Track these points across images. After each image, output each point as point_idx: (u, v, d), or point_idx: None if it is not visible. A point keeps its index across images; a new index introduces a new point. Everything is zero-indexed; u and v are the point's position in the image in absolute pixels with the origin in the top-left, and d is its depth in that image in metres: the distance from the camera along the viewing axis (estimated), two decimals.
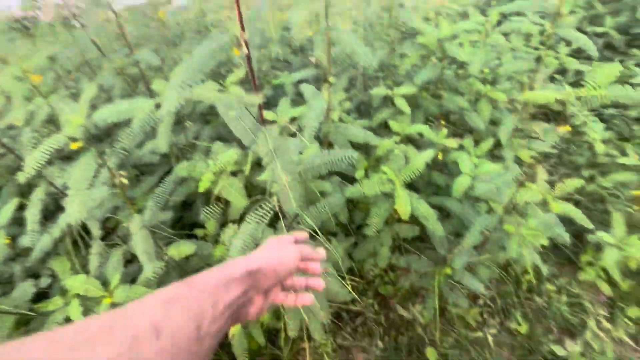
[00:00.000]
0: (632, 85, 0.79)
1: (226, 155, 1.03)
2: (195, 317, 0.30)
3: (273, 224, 0.96)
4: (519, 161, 1.54)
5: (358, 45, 0.95)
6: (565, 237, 1.01)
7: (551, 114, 2.23)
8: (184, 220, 1.69)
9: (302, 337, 1.54)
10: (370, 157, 1.65)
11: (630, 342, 1.34)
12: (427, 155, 1.16)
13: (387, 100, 1.84)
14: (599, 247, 1.57)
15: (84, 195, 0.73)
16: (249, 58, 0.56)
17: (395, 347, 1.48)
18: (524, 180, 0.93)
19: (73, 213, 0.70)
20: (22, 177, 0.68)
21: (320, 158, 0.89)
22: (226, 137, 1.48)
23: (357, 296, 1.55)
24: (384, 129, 1.85)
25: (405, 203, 1.06)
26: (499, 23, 1.45)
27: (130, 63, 1.36)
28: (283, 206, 0.71)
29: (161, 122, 0.92)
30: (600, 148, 1.71)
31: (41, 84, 1.07)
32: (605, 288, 1.48)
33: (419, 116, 1.73)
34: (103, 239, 1.12)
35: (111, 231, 1.21)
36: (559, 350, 1.27)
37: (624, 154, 1.76)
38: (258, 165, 1.49)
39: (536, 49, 1.38)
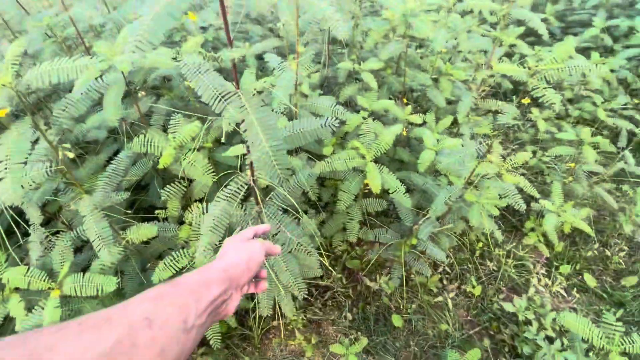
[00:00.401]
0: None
1: (188, 128, 0.95)
2: (181, 311, 0.33)
3: (244, 201, 0.91)
4: (476, 136, 1.63)
5: (331, 10, 0.91)
6: (522, 205, 1.10)
7: (500, 93, 2.38)
8: (139, 203, 1.55)
9: (273, 316, 1.54)
10: (336, 133, 1.64)
11: (564, 294, 1.53)
12: (396, 129, 1.18)
13: (352, 77, 1.83)
14: (539, 215, 1.76)
15: (18, 173, 0.61)
16: (223, 8, 0.49)
17: (363, 317, 1.54)
18: (484, 154, 0.99)
19: (5, 195, 0.59)
20: None
21: (294, 127, 0.85)
22: (183, 110, 1.37)
23: (331, 270, 1.57)
24: (348, 105, 1.85)
25: (377, 177, 1.07)
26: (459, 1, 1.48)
27: (63, 23, 1.17)
28: (266, 177, 0.66)
29: (109, 89, 0.81)
30: (542, 125, 1.88)
31: None
32: (544, 250, 1.67)
33: (384, 93, 1.75)
34: (43, 225, 0.98)
35: (53, 217, 1.07)
36: (507, 307, 1.42)
37: (560, 130, 1.96)
38: (218, 142, 1.40)
39: (491, 28, 1.44)
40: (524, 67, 0.84)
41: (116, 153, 1.43)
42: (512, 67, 0.82)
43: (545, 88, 0.83)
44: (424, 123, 1.58)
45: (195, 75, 0.55)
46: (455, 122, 1.72)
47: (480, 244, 1.80)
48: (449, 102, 1.80)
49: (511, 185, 1.07)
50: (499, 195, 1.06)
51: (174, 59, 1.15)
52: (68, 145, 0.68)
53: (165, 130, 1.31)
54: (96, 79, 0.84)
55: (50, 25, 1.18)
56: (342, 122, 1.40)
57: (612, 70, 2.24)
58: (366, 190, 1.32)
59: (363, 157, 1.17)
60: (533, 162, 1.39)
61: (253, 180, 0.76)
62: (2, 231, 0.84)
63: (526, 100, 0.91)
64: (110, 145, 1.38)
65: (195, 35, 1.43)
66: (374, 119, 1.52)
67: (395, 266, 1.54)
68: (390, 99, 1.88)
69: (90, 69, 0.59)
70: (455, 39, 1.56)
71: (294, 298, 1.41)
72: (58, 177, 0.83)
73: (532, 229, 1.76)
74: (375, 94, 1.45)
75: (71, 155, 0.68)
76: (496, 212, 1.24)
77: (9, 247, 0.87)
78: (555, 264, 1.69)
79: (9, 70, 0.58)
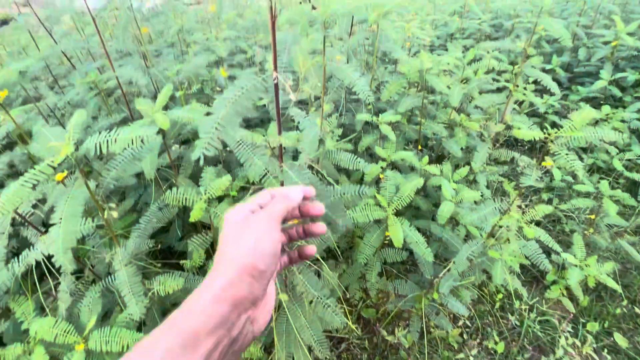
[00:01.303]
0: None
1: (219, 182, 0.99)
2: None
3: None
4: (491, 184, 1.65)
5: (357, 78, 0.98)
6: (547, 265, 1.09)
7: (514, 142, 2.43)
8: (158, 243, 1.57)
9: None
10: (352, 179, 1.68)
11: (596, 357, 1.45)
12: (417, 182, 1.21)
13: (369, 125, 1.90)
14: (561, 267, 1.71)
15: (70, 231, 0.65)
16: (277, 100, 0.54)
17: None
18: (506, 210, 1.00)
19: (56, 251, 0.62)
20: None
21: (336, 192, 0.88)
22: (209, 159, 1.43)
23: (347, 321, 1.53)
24: (366, 152, 1.91)
25: (399, 231, 1.08)
26: (472, 61, 1.57)
27: (108, 79, 1.28)
28: None
29: (151, 150, 0.87)
30: (557, 175, 1.90)
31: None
32: (569, 305, 1.60)
33: (399, 141, 1.81)
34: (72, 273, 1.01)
35: (77, 260, 1.09)
36: None
37: (575, 179, 1.96)
38: (243, 189, 1.45)
39: (507, 82, 1.51)
40: (544, 133, 0.88)
41: (141, 195, 1.49)
42: (531, 132, 0.86)
43: (567, 154, 0.86)
44: (441, 172, 1.62)
45: (247, 154, 0.60)
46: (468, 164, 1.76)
47: (500, 295, 1.74)
48: (466, 149, 1.84)
49: (533, 242, 1.06)
50: (523, 255, 1.05)
51: (207, 114, 1.23)
52: (114, 205, 0.73)
53: (192, 177, 1.37)
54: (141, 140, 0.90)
55: (95, 81, 1.29)
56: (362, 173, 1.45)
57: (622, 121, 2.28)
58: (386, 241, 1.33)
59: (383, 209, 1.19)
60: (549, 210, 1.38)
61: None
62: (36, 280, 0.87)
63: (548, 163, 0.93)
64: (136, 189, 1.43)
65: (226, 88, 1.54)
66: (392, 168, 1.56)
67: (413, 318, 1.50)
68: (405, 146, 1.94)
69: (150, 136, 0.65)
70: (472, 96, 1.63)
71: (309, 350, 1.37)
72: (98, 232, 0.87)
73: (554, 282, 1.71)
74: (394, 145, 1.50)
75: (115, 215, 0.72)
76: (518, 268, 1.23)
77: (40, 296, 0.89)
78: (581, 320, 1.62)
79: (70, 141, 0.63)
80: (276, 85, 0.53)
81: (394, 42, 1.70)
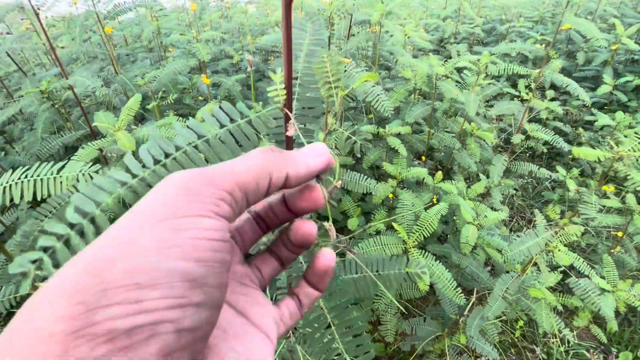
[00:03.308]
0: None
1: None
2: None
3: None
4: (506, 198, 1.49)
5: (372, 86, 0.79)
6: (611, 318, 0.92)
7: (534, 154, 2.30)
8: None
9: None
10: (352, 195, 1.48)
11: None
12: (439, 208, 1.02)
13: (373, 139, 1.72)
14: (588, 289, 1.56)
15: None
16: (289, 140, 0.34)
17: None
18: (552, 241, 0.82)
19: None
20: None
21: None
22: None
23: None
24: (372, 168, 1.72)
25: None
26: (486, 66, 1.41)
27: (63, 88, 1.04)
28: None
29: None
30: (571, 185, 1.76)
31: None
32: (598, 332, 1.45)
33: (407, 153, 1.63)
34: None
35: None
36: None
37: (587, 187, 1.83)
38: None
39: (527, 88, 1.36)
40: (607, 150, 0.71)
41: None
42: (594, 152, 0.69)
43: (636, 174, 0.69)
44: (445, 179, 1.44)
45: None
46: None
47: (521, 323, 1.57)
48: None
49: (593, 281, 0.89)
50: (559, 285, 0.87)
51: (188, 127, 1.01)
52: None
53: None
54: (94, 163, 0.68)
55: (47, 91, 1.05)
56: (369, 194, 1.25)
57: (630, 127, 2.19)
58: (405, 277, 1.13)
59: (403, 240, 0.99)
60: (581, 231, 1.23)
61: None
62: None
63: (611, 188, 0.77)
64: None
65: (209, 98, 1.32)
66: (402, 187, 1.38)
67: (430, 357, 1.30)
68: (412, 159, 1.77)
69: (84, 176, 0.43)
70: (488, 101, 1.47)
71: None
72: None
73: (578, 307, 1.55)
74: (405, 161, 1.31)
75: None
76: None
77: None
78: (613, 349, 1.46)
79: None
80: (289, 140, 0.33)
81: (398, 44, 1.53)
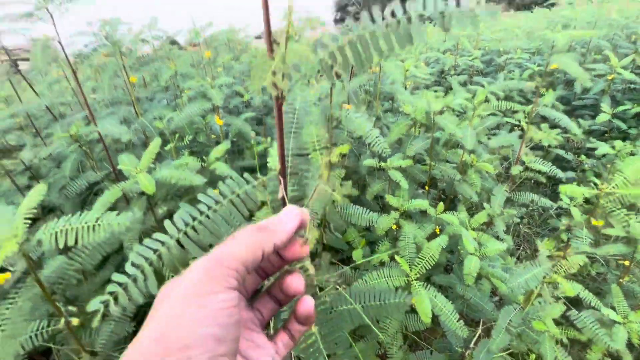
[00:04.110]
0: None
1: None
2: None
3: None
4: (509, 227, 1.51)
5: (370, 129, 0.87)
6: (624, 352, 0.92)
7: (535, 183, 2.33)
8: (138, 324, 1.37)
9: None
10: (357, 226, 1.52)
11: None
12: (440, 240, 1.06)
13: (376, 170, 1.79)
14: (597, 322, 1.53)
15: (13, 344, 0.48)
16: (284, 199, 0.41)
17: None
18: (553, 273, 0.85)
19: None
20: None
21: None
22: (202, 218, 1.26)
23: None
24: (376, 199, 1.78)
25: (426, 303, 0.91)
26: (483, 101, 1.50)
27: (91, 132, 1.15)
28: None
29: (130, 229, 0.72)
30: (576, 215, 1.77)
31: None
32: None
33: (409, 184, 1.68)
34: None
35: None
36: None
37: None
38: None
39: (518, 123, 1.42)
40: (594, 189, 0.76)
41: (123, 260, 1.31)
42: (579, 189, 0.74)
43: (627, 215, 0.73)
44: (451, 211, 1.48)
45: None
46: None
47: (533, 357, 1.54)
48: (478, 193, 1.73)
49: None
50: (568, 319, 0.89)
51: (203, 166, 1.10)
52: (74, 309, 0.56)
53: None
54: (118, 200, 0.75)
55: (76, 135, 1.16)
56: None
57: (632, 154, 2.22)
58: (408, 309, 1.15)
59: (405, 273, 1.03)
60: (584, 261, 1.23)
61: None
62: None
63: (600, 222, 0.81)
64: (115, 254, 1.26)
65: (220, 138, 1.42)
66: (406, 218, 1.42)
67: None
68: (417, 187, 1.82)
69: (120, 226, 0.50)
70: (491, 129, 1.54)
71: None
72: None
73: (591, 340, 1.51)
74: (406, 193, 1.37)
75: (76, 322, 0.56)
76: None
77: None
78: None
79: (19, 230, 0.49)
80: (283, 200, 0.40)
81: (397, 82, 1.63)
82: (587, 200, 2.14)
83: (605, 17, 2.99)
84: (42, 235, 0.49)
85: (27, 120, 1.52)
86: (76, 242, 0.48)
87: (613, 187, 0.73)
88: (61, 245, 0.48)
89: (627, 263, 1.47)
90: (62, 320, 0.52)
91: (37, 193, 0.54)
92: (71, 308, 0.55)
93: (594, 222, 0.80)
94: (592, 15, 3.18)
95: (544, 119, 2.68)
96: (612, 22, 2.97)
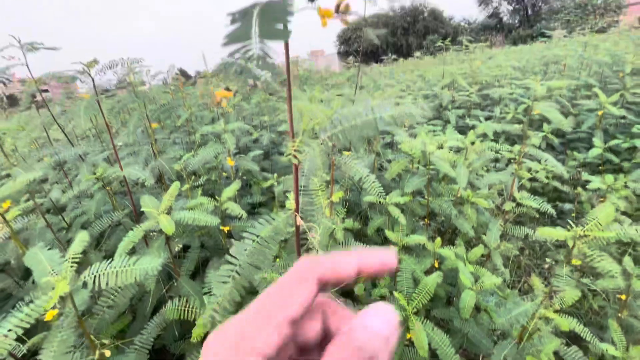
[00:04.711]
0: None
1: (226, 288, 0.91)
2: None
3: None
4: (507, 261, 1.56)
5: (367, 174, 0.97)
6: None
7: (528, 218, 2.40)
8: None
9: None
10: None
11: None
12: (435, 277, 1.13)
13: (377, 203, 1.88)
14: (599, 358, 1.54)
15: None
16: (298, 242, 0.51)
17: None
18: (544, 307, 0.91)
19: None
20: None
21: None
22: (214, 252, 1.36)
23: None
24: (377, 232, 1.85)
25: (422, 337, 0.97)
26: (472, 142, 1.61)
27: (115, 173, 1.27)
28: None
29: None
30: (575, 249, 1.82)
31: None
32: None
33: (408, 218, 1.76)
34: None
35: None
36: None
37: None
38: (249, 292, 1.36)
39: (510, 161, 1.52)
40: (568, 231, 0.84)
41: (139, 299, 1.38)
42: (556, 232, 0.82)
43: (600, 256, 0.81)
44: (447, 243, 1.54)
45: None
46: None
47: None
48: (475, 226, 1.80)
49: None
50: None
51: (215, 207, 1.20)
52: (106, 342, 0.64)
53: (195, 272, 1.29)
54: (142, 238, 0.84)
55: (101, 177, 1.28)
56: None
57: (626, 186, 2.28)
58: (405, 342, 1.19)
59: (403, 307, 1.09)
60: (578, 296, 1.27)
61: None
62: None
63: (578, 262, 0.88)
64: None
65: (232, 175, 1.53)
66: (406, 251, 1.49)
67: None
68: (413, 219, 1.89)
69: (152, 270, 0.59)
70: (477, 174, 1.64)
71: None
72: None
73: None
74: (405, 228, 1.45)
75: (108, 354, 0.63)
76: None
77: None
78: None
79: (68, 274, 0.58)
80: (297, 228, 0.49)
81: (394, 124, 1.76)
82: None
83: (593, 58, 3.17)
84: (87, 277, 0.58)
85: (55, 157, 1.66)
86: (116, 282, 0.57)
87: (587, 231, 0.81)
88: (103, 287, 0.57)
89: (623, 297, 1.50)
90: (97, 353, 0.60)
91: (81, 240, 0.64)
92: (104, 341, 0.63)
93: (573, 261, 0.87)
94: (579, 58, 3.37)
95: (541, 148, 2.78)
96: (599, 61, 3.14)
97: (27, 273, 1.37)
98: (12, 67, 1.42)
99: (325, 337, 0.24)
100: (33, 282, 1.29)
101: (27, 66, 1.19)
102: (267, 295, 0.22)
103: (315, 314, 0.24)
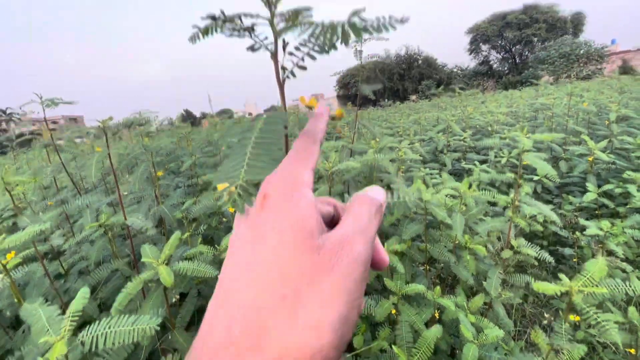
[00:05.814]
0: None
1: None
2: None
3: None
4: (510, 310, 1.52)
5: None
6: None
7: (528, 266, 2.39)
8: None
9: None
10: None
11: None
12: (435, 332, 1.11)
13: None
14: None
15: None
16: None
17: None
18: None
19: None
20: None
21: None
22: (208, 296, 1.34)
23: None
24: (378, 278, 1.83)
25: None
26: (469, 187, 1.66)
27: (117, 221, 1.30)
28: None
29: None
30: (577, 299, 1.78)
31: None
32: None
33: (407, 264, 1.75)
34: None
35: None
36: None
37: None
38: None
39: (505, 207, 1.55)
40: (560, 285, 0.85)
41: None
42: (551, 286, 0.83)
43: (595, 313, 0.81)
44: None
45: None
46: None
47: None
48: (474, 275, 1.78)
49: None
50: None
51: (214, 254, 1.21)
52: None
53: (190, 323, 1.26)
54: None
55: (104, 224, 1.31)
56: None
57: (623, 231, 2.29)
58: None
59: None
60: (584, 351, 1.23)
61: None
62: None
63: (576, 318, 0.88)
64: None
65: (232, 222, 1.55)
66: (405, 301, 1.47)
67: None
68: (413, 264, 1.88)
69: (149, 330, 0.60)
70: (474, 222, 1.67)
71: None
72: None
73: None
74: (404, 277, 1.44)
75: None
76: None
77: None
78: None
79: (65, 334, 0.59)
80: None
81: (390, 170, 1.83)
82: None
83: (580, 107, 3.34)
84: (85, 337, 0.59)
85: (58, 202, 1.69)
86: (113, 343, 0.58)
87: (581, 286, 0.82)
88: (100, 347, 0.57)
89: (632, 351, 1.45)
90: None
91: (82, 297, 0.66)
92: None
93: (570, 317, 0.86)
94: (565, 106, 3.55)
95: (537, 193, 2.82)
96: (586, 109, 3.31)
97: (17, 322, 1.34)
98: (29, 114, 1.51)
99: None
100: (23, 331, 1.26)
101: (46, 122, 1.27)
102: (295, 152, 0.29)
103: (327, 204, 0.30)
